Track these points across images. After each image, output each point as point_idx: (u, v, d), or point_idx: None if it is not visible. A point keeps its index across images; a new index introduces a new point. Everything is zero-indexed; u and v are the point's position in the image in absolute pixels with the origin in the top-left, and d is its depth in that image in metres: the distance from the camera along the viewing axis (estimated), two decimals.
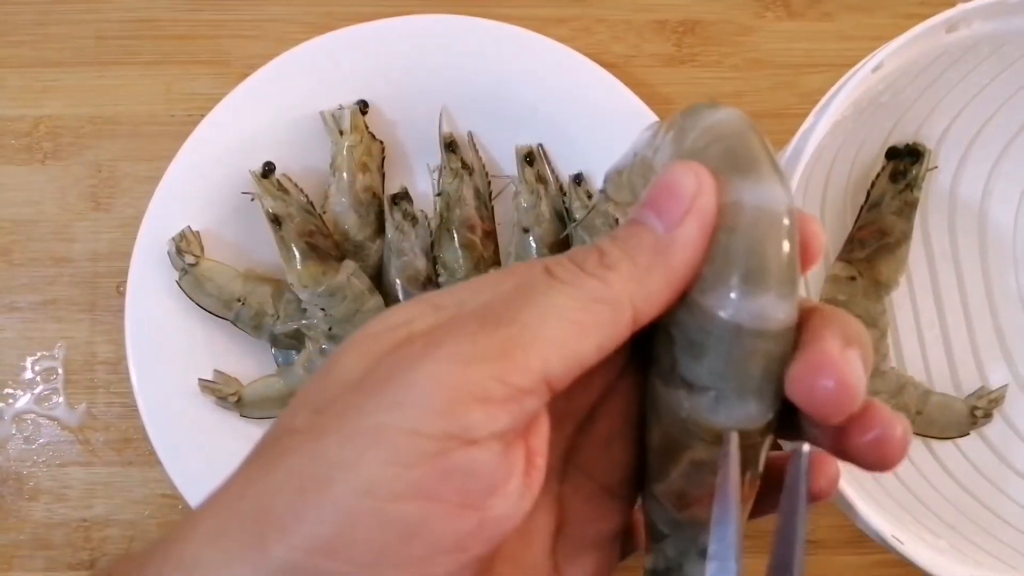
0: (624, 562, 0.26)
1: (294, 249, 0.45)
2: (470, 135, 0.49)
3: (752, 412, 0.21)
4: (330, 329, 0.46)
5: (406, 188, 0.48)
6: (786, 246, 0.20)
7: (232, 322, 0.46)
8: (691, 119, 0.23)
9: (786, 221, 0.20)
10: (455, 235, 0.47)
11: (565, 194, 0.49)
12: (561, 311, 0.20)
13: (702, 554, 0.22)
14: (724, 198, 0.21)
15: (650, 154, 0.24)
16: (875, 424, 0.21)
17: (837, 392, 0.20)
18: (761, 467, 0.22)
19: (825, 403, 0.20)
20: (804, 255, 0.21)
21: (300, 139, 0.48)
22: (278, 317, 0.47)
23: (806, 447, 0.21)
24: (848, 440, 0.21)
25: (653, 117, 0.47)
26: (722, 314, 0.20)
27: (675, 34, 0.54)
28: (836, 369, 0.20)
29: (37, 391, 0.50)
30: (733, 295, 0.20)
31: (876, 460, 0.21)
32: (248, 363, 0.47)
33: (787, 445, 0.24)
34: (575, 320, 0.20)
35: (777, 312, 0.20)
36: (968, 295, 0.50)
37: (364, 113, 0.47)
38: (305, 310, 0.46)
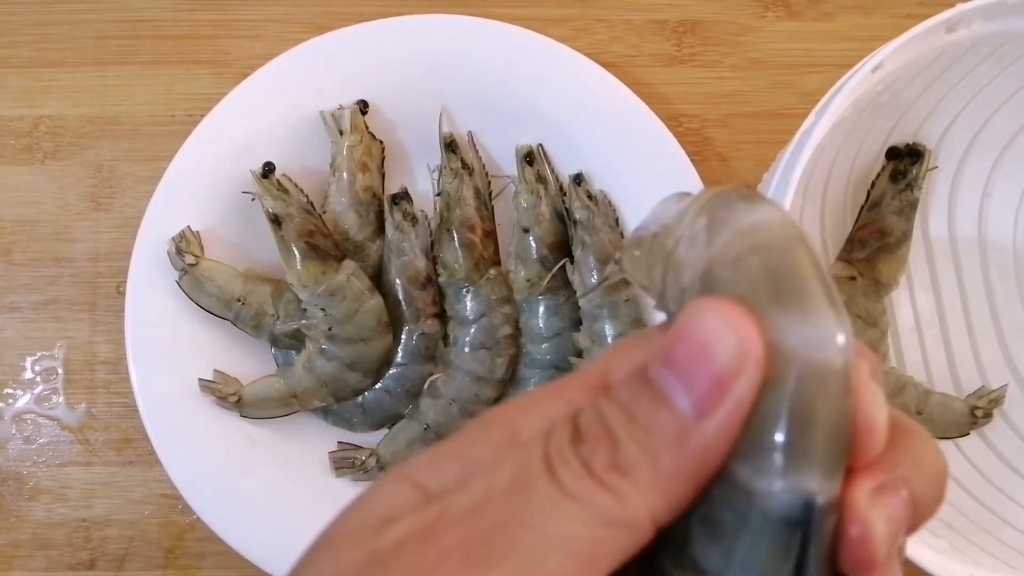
0: None
1: (294, 249, 0.45)
2: (470, 135, 0.49)
3: None
4: (330, 329, 0.46)
5: (406, 188, 0.48)
6: (843, 408, 0.16)
7: (232, 322, 0.46)
8: (723, 212, 0.18)
9: (843, 374, 0.16)
10: (455, 235, 0.47)
11: (565, 194, 0.49)
12: (566, 543, 0.16)
13: None
14: (763, 335, 0.16)
15: (670, 243, 0.20)
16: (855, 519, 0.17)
17: (860, 544, 0.17)
18: None
19: (848, 556, 0.17)
20: (857, 443, 0.17)
21: (300, 139, 0.48)
22: (278, 317, 0.47)
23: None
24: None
25: (653, 117, 0.47)
26: (753, 490, 0.16)
27: (675, 34, 0.54)
28: (859, 519, 0.17)
29: (37, 391, 0.50)
30: (770, 471, 0.16)
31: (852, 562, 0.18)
32: (248, 363, 0.47)
33: None
34: (584, 552, 0.16)
35: (823, 491, 0.16)
36: (968, 295, 0.50)
37: (364, 113, 0.47)
38: (305, 310, 0.46)
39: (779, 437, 0.16)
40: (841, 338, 0.16)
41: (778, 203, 0.19)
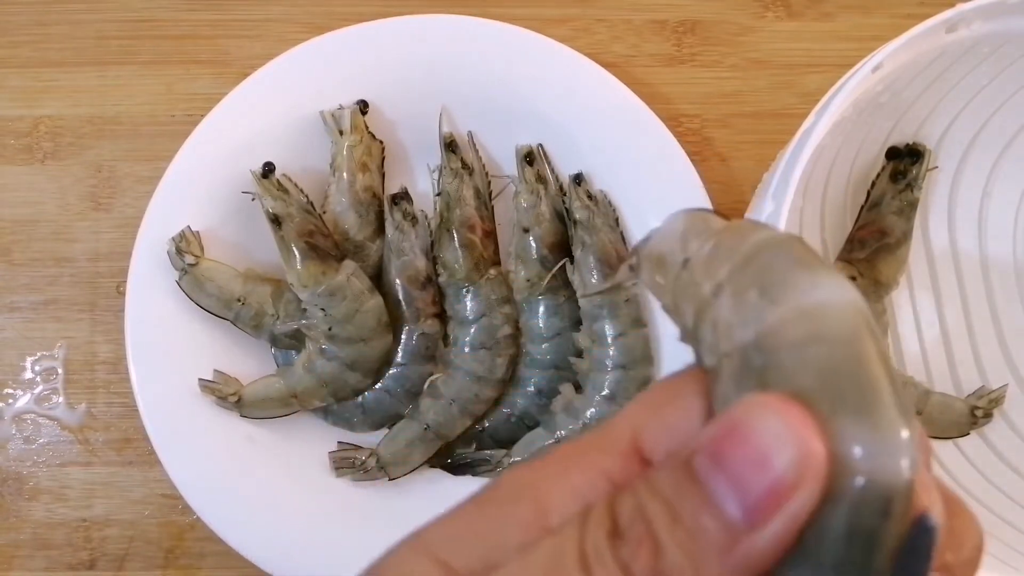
0: None
1: (294, 249, 0.45)
2: (470, 135, 0.49)
3: None
4: (330, 329, 0.46)
5: (406, 188, 0.48)
6: (906, 524, 0.15)
7: (232, 322, 0.46)
8: (778, 277, 0.17)
9: (908, 492, 0.15)
10: (455, 235, 0.47)
11: (565, 194, 0.49)
12: None
13: None
14: (827, 445, 0.15)
15: (707, 287, 0.19)
16: None
17: None
18: None
19: None
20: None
21: (300, 139, 0.48)
22: (278, 317, 0.47)
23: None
24: None
25: (653, 117, 0.47)
26: None
27: (675, 34, 0.54)
28: None
29: (37, 391, 0.50)
30: None
31: None
32: (248, 363, 0.47)
33: None
34: None
35: None
36: (968, 295, 0.50)
37: (364, 113, 0.47)
38: (305, 310, 0.46)
39: (835, 555, 0.15)
40: (909, 456, 0.15)
41: (837, 271, 0.17)
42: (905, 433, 0.15)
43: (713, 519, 0.16)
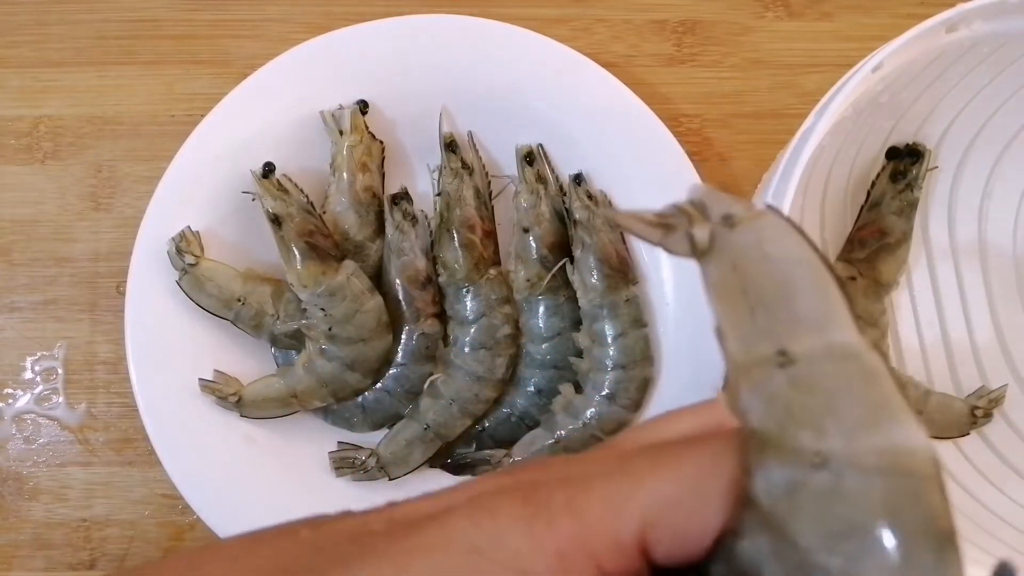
0: None
1: (294, 249, 0.45)
2: (470, 135, 0.49)
3: None
4: (330, 329, 0.46)
5: (406, 188, 0.48)
6: None
7: (232, 322, 0.46)
8: (907, 539, 0.15)
9: None
10: (455, 235, 0.47)
11: (565, 194, 0.49)
12: None
13: None
14: None
15: (804, 439, 0.16)
16: None
17: None
18: None
19: None
20: None
21: (300, 139, 0.48)
22: (278, 317, 0.47)
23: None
24: None
25: (653, 117, 0.47)
26: None
27: (675, 34, 0.54)
28: None
29: (37, 391, 0.50)
30: None
31: None
32: (248, 363, 0.47)
33: None
34: None
35: None
36: (968, 295, 0.50)
37: (364, 113, 0.47)
38: (305, 310, 0.46)
39: None
40: None
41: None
42: None
43: None
